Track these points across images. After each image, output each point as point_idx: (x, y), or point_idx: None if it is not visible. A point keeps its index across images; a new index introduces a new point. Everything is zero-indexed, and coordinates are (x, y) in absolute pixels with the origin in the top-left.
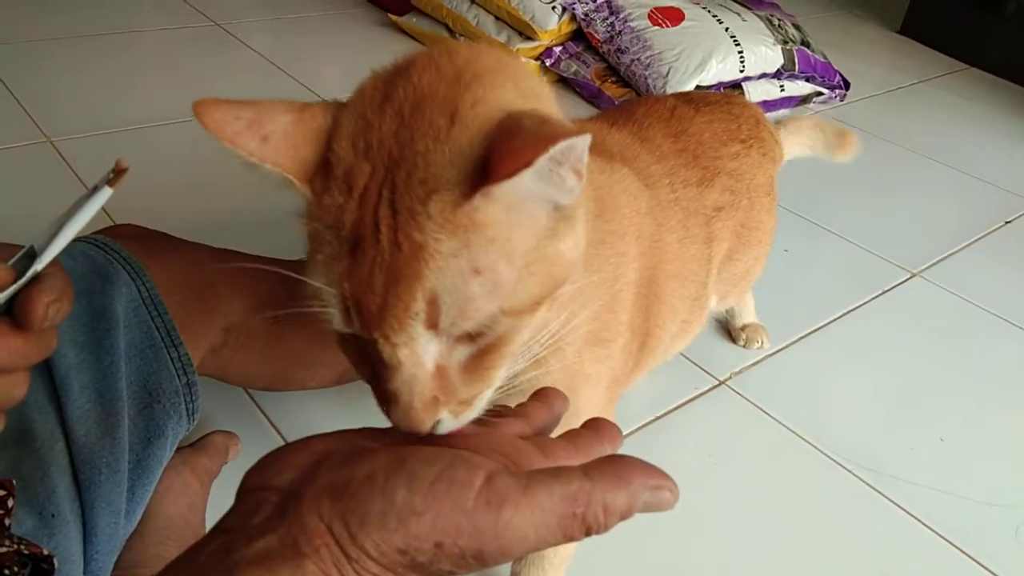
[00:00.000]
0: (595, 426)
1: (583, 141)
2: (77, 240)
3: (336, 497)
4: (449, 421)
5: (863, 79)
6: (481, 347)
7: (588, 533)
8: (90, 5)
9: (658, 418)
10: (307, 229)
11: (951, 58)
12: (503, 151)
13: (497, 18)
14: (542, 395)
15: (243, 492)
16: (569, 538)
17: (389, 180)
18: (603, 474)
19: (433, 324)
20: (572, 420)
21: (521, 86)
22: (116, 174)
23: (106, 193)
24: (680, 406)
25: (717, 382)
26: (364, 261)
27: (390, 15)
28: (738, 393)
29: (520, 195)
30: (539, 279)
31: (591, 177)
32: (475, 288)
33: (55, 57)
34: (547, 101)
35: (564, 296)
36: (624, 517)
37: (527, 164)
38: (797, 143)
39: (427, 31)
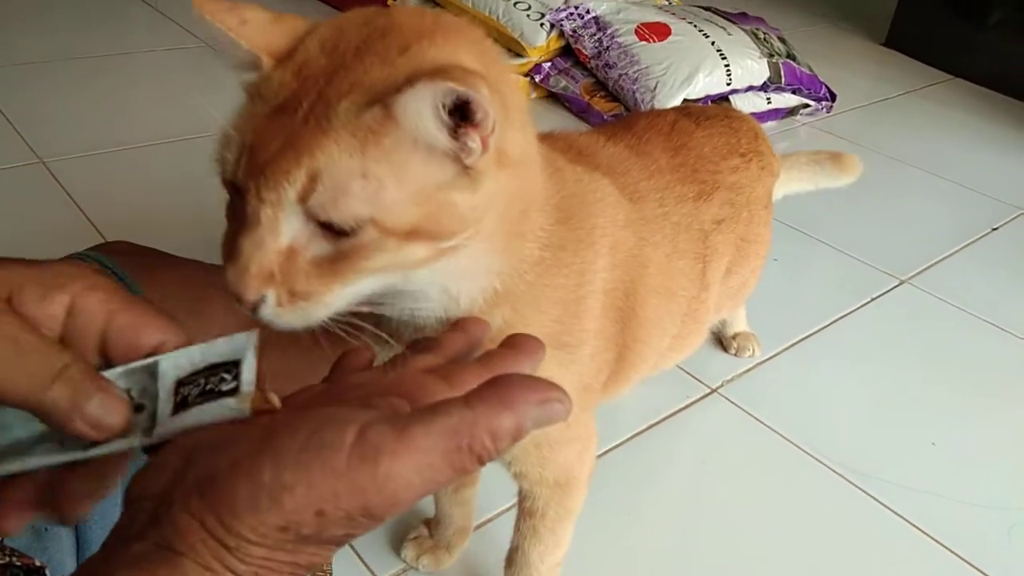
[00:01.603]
0: (512, 342)
1: (483, 113)
2: (69, 257)
3: (204, 492)
4: (271, 306)
5: (849, 91)
6: (340, 250)
7: (481, 462)
8: (80, 27)
9: (651, 426)
10: (247, 92)
11: (936, 69)
12: (412, 76)
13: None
14: (457, 323)
15: (125, 505)
16: (462, 471)
17: (331, 75)
18: (484, 400)
19: (304, 198)
20: None
21: (483, 58)
22: (258, 410)
23: (238, 411)
24: (672, 414)
25: (709, 390)
26: (276, 123)
27: None
28: (730, 401)
29: (412, 120)
30: (420, 213)
31: (563, 184)
32: (355, 187)
33: (46, 79)
34: (503, 82)
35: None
36: (517, 438)
37: (410, 84)
38: (794, 178)
39: None
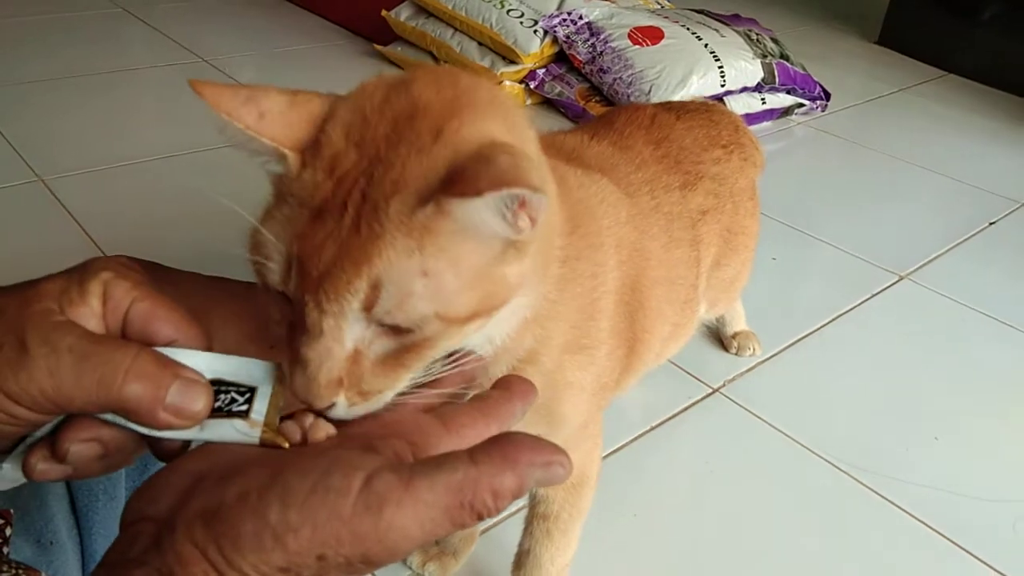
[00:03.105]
0: (505, 384)
1: (539, 199)
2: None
3: (209, 522)
4: (342, 408)
5: (843, 90)
6: (404, 344)
7: (480, 518)
8: (77, 46)
9: (653, 428)
10: (275, 189)
11: (929, 66)
12: (465, 172)
13: (480, 43)
14: (454, 360)
15: (123, 524)
16: (460, 527)
17: (368, 172)
18: (489, 457)
19: (369, 307)
20: (557, 427)
21: (509, 122)
22: (265, 443)
23: (247, 436)
24: (675, 415)
25: (711, 390)
26: (321, 230)
27: (376, 45)
28: (732, 400)
29: (473, 218)
30: (479, 296)
31: (569, 192)
32: (418, 287)
33: (43, 98)
34: (531, 142)
35: (527, 312)
36: (516, 497)
37: (477, 194)
38: None
39: (412, 59)
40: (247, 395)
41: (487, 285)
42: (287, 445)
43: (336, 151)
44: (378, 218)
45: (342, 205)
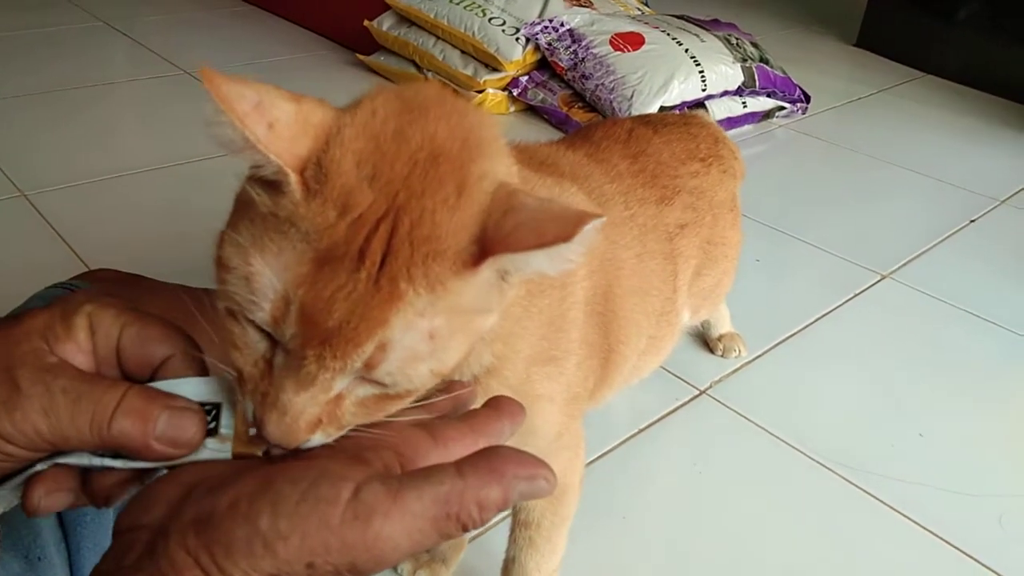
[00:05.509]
0: (495, 404)
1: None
2: (54, 286)
3: (201, 529)
4: (318, 440)
5: (824, 92)
6: (388, 393)
7: (466, 529)
8: (59, 59)
9: (641, 431)
10: (260, 207)
11: (907, 67)
12: (517, 224)
13: (463, 52)
14: (445, 388)
15: (116, 534)
16: (446, 537)
17: (390, 220)
18: (475, 469)
19: (371, 367)
20: (529, 439)
21: (502, 156)
22: (239, 454)
23: (219, 452)
24: (662, 418)
25: (698, 392)
26: (331, 280)
27: (358, 55)
28: (719, 401)
29: (533, 266)
30: (463, 348)
31: None
32: (423, 348)
33: (25, 112)
34: (515, 172)
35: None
36: (502, 509)
37: (566, 239)
38: None
39: (395, 69)
40: (213, 412)
41: (469, 337)
42: (260, 453)
43: (348, 185)
44: (408, 277)
45: (358, 255)
